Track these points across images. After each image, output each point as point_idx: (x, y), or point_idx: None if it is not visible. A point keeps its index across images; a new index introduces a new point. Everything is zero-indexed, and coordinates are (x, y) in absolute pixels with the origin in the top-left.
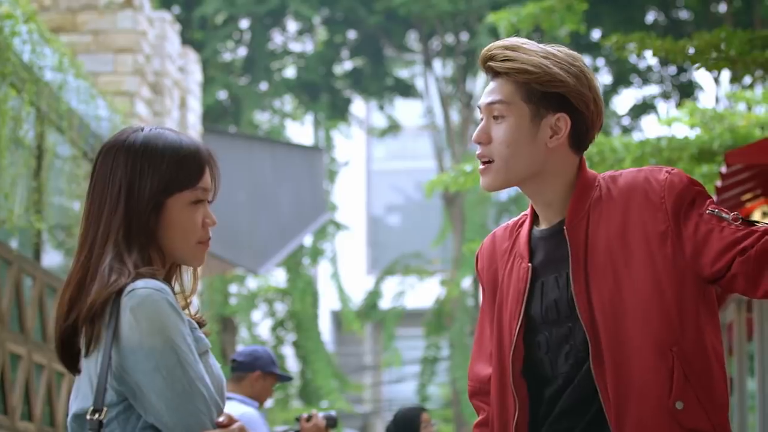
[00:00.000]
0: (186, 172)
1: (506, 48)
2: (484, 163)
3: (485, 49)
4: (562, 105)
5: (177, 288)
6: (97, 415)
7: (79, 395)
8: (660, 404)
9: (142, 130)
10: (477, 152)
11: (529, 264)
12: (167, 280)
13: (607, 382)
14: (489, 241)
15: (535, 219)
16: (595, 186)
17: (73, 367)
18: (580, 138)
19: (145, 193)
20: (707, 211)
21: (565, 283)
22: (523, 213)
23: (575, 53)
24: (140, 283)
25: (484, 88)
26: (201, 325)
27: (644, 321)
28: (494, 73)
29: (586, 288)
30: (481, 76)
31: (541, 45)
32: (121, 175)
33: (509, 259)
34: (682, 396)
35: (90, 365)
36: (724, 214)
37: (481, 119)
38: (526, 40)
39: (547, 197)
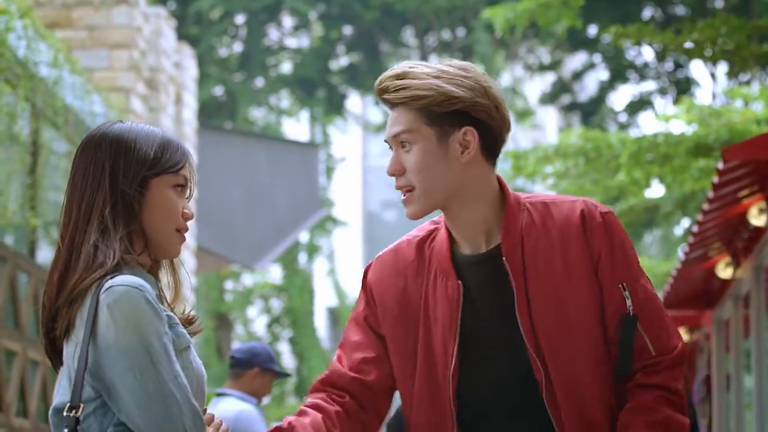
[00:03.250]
0: (170, 155)
1: (396, 77)
2: (405, 192)
3: (377, 82)
4: (465, 119)
5: (166, 281)
6: (73, 412)
7: (60, 389)
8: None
9: (122, 122)
10: (395, 184)
11: (459, 282)
12: (153, 273)
13: (562, 416)
14: (390, 254)
15: (451, 240)
16: (521, 210)
17: (56, 358)
18: (491, 147)
19: (130, 171)
20: (620, 286)
21: (505, 311)
22: (426, 227)
23: (468, 64)
24: (119, 278)
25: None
26: (191, 322)
27: (589, 351)
28: (392, 104)
29: (530, 316)
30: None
31: (432, 64)
32: (105, 155)
33: (427, 274)
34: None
35: (68, 359)
36: (628, 299)
37: (391, 149)
38: (416, 63)
39: (472, 218)
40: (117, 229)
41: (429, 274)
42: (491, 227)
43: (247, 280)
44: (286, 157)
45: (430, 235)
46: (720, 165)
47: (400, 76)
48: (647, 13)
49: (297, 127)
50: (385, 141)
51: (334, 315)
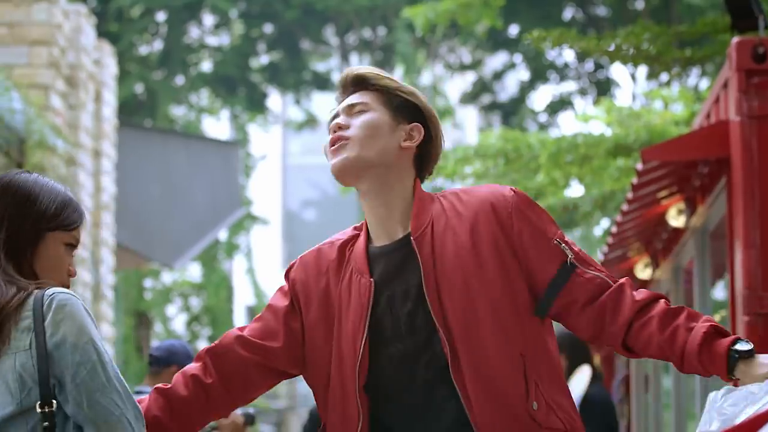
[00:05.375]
0: (68, 214)
1: (374, 68)
2: (338, 142)
3: (351, 68)
4: (419, 118)
5: None
6: (46, 408)
7: None
8: (518, 405)
9: (29, 173)
10: (331, 137)
11: (371, 279)
12: None
13: (467, 387)
14: (314, 254)
15: (368, 239)
16: (434, 200)
17: None
18: (424, 156)
19: (28, 220)
20: (554, 242)
21: (416, 294)
22: (349, 231)
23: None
24: (57, 289)
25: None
26: None
27: (497, 328)
28: (354, 88)
29: (438, 297)
30: (399, 70)
31: None
32: (9, 201)
33: (344, 274)
34: (537, 399)
35: (7, 372)
36: (567, 249)
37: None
38: None
39: (389, 201)
40: (16, 268)
41: (346, 273)
42: (406, 218)
43: (167, 278)
44: (206, 156)
45: (353, 239)
46: (639, 166)
47: (377, 70)
48: (568, 13)
49: (217, 126)
50: (333, 117)
51: (252, 313)
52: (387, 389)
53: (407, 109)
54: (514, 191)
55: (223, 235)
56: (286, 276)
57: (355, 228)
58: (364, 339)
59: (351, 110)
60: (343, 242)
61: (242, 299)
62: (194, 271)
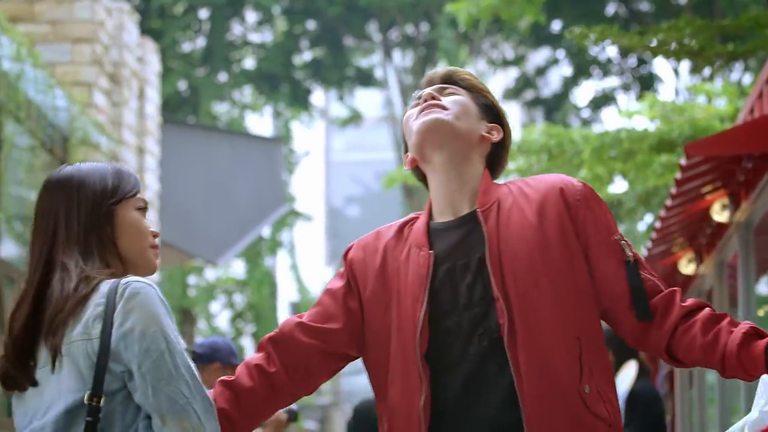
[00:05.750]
0: (125, 182)
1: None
2: (431, 105)
3: (445, 67)
4: (496, 122)
5: None
6: (95, 401)
7: (63, 393)
8: (570, 385)
9: (70, 164)
10: (428, 102)
11: (431, 251)
12: None
13: (519, 359)
14: (372, 236)
15: (430, 218)
16: (500, 186)
17: (29, 380)
18: (495, 157)
19: (90, 204)
20: (615, 237)
21: (477, 267)
22: (410, 215)
23: None
24: (133, 278)
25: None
26: None
27: (557, 306)
28: (445, 83)
29: (500, 268)
30: (442, 66)
31: None
32: (64, 196)
33: (402, 249)
34: (589, 383)
35: (77, 357)
36: (627, 248)
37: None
38: None
39: (461, 179)
40: (77, 259)
41: (404, 249)
42: (473, 197)
43: (210, 275)
44: (250, 152)
45: (412, 220)
46: (683, 161)
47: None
48: (611, 9)
49: (260, 122)
50: (420, 94)
51: (296, 310)
52: (443, 362)
53: (490, 111)
54: (583, 183)
55: (266, 231)
56: (344, 257)
57: (415, 213)
58: (424, 309)
59: (442, 91)
60: (402, 223)
61: (286, 295)
62: (238, 268)
